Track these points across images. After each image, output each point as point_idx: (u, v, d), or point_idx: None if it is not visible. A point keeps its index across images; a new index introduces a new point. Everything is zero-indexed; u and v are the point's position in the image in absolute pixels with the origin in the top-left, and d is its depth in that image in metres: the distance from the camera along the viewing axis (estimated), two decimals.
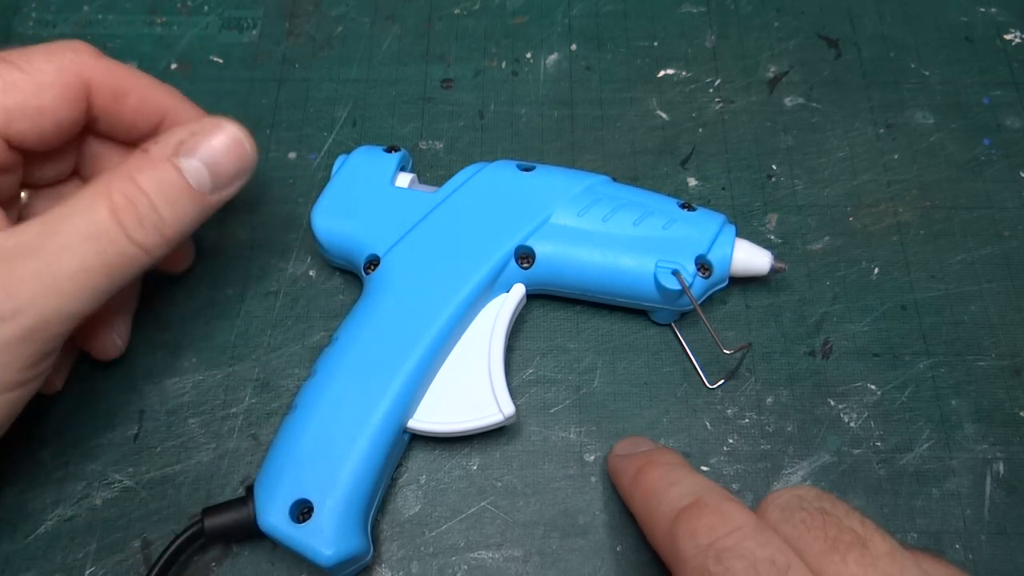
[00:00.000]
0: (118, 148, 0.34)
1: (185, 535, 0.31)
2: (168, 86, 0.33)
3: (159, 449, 0.35)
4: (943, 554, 0.32)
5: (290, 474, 0.30)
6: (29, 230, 0.28)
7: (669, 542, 0.26)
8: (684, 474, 0.28)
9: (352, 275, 0.38)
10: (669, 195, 0.36)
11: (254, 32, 0.45)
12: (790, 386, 0.36)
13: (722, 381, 0.36)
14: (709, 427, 0.35)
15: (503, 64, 0.44)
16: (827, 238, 0.39)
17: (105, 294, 0.29)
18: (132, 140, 0.33)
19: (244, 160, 0.31)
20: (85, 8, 0.46)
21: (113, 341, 0.35)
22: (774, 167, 0.41)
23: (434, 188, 0.37)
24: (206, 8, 0.46)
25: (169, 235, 0.29)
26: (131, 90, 0.32)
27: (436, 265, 0.34)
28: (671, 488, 0.28)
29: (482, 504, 0.34)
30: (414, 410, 0.33)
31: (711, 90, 0.43)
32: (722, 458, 0.34)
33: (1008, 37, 0.45)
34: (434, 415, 0.33)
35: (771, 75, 0.44)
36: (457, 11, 0.46)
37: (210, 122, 0.31)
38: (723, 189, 0.40)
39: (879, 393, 0.36)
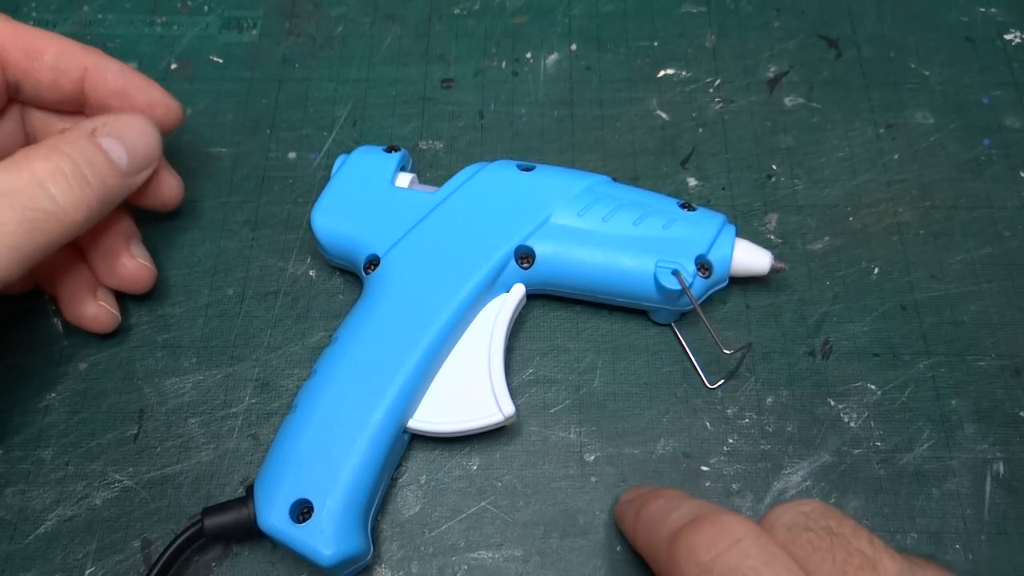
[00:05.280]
0: (58, 119, 0.35)
1: (185, 535, 0.31)
2: (88, 46, 0.34)
3: (159, 449, 0.35)
4: (948, 565, 0.32)
5: (290, 474, 0.30)
6: None
7: (669, 565, 0.25)
8: (685, 501, 0.27)
9: (352, 275, 0.38)
10: (669, 195, 0.36)
11: (254, 32, 0.45)
12: (790, 386, 0.36)
13: (722, 381, 0.36)
14: (709, 427, 0.35)
15: (503, 64, 0.44)
16: (827, 238, 0.39)
17: (29, 254, 0.29)
18: (63, 106, 0.35)
19: (153, 147, 0.34)
20: (85, 8, 0.46)
21: (138, 264, 0.36)
22: (774, 167, 0.41)
23: (434, 188, 0.37)
24: (206, 8, 0.46)
25: (93, 204, 0.30)
26: (44, 47, 0.33)
27: (436, 265, 0.34)
28: (671, 513, 0.27)
29: (482, 504, 0.34)
30: (414, 410, 0.33)
31: (711, 90, 0.43)
32: (722, 458, 0.34)
33: (1008, 37, 0.45)
34: (434, 415, 0.33)
35: (771, 75, 0.44)
36: (457, 11, 0.46)
37: (123, 114, 0.33)
38: (723, 189, 0.40)
39: (879, 393, 0.36)
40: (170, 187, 0.37)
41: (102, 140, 0.32)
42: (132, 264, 0.35)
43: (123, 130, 0.32)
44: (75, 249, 0.36)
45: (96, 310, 0.35)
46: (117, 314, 0.36)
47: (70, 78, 0.33)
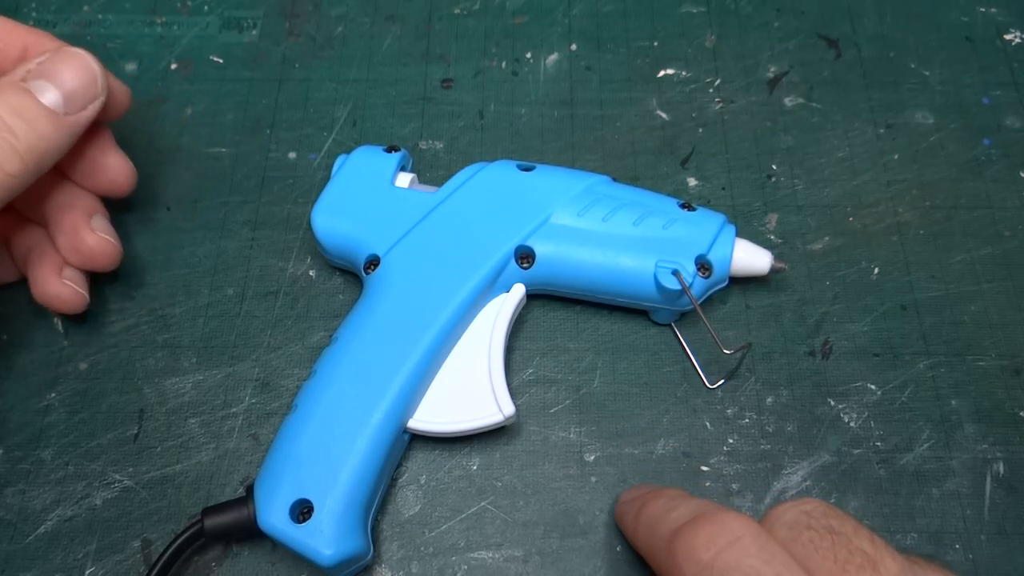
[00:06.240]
0: None
1: (185, 535, 0.31)
2: (26, 25, 0.34)
3: (159, 449, 0.35)
4: (948, 565, 0.32)
5: (290, 474, 0.30)
6: None
7: (669, 564, 0.25)
8: (685, 500, 0.27)
9: (352, 275, 0.38)
10: (669, 195, 0.36)
11: (254, 32, 0.45)
12: (790, 386, 0.36)
13: (722, 381, 0.36)
14: (709, 427, 0.35)
15: (503, 64, 0.44)
16: (827, 238, 0.39)
17: None
18: None
19: (91, 82, 0.32)
20: (85, 8, 0.46)
21: (99, 239, 0.35)
22: (774, 167, 0.41)
23: (434, 188, 0.37)
24: (206, 8, 0.46)
25: (25, 153, 0.30)
26: None
27: (436, 265, 0.34)
28: (670, 513, 0.27)
29: (482, 504, 0.34)
30: (414, 410, 0.33)
31: (711, 90, 0.43)
32: (722, 458, 0.34)
33: (1008, 37, 0.45)
34: (434, 415, 0.33)
35: (771, 75, 0.44)
36: (457, 11, 0.46)
37: (57, 51, 0.32)
38: (723, 189, 0.40)
39: (879, 393, 0.36)
40: (117, 170, 0.36)
41: (32, 84, 0.31)
42: (93, 238, 0.34)
43: (56, 70, 0.31)
44: (42, 229, 0.35)
45: (60, 289, 0.34)
46: (84, 293, 0.35)
47: (8, 56, 0.33)
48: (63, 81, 0.31)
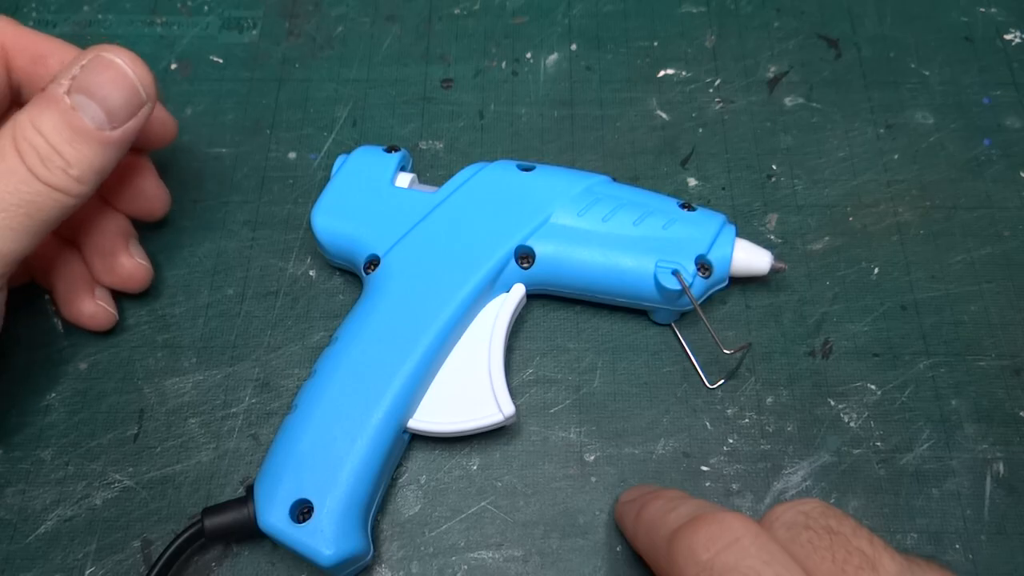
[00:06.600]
0: None
1: (185, 535, 0.31)
2: (32, 30, 0.33)
3: (159, 449, 0.35)
4: (948, 565, 0.32)
5: (290, 474, 0.30)
6: None
7: (669, 564, 0.25)
8: (685, 501, 0.27)
9: (352, 275, 0.38)
10: (669, 195, 0.36)
11: (254, 32, 0.45)
12: (790, 386, 0.36)
13: (722, 381, 0.36)
14: (709, 427, 0.35)
15: (503, 64, 0.44)
16: (827, 238, 0.39)
17: (35, 233, 0.29)
18: None
19: (133, 92, 0.30)
20: (85, 8, 0.46)
21: (136, 263, 0.36)
22: (774, 167, 0.41)
23: (434, 188, 0.37)
24: (206, 8, 0.46)
25: (79, 175, 0.29)
26: (50, 53, 0.33)
27: (436, 265, 0.34)
28: (670, 513, 0.27)
29: (482, 504, 0.34)
30: (414, 410, 0.33)
31: (711, 90, 0.43)
32: (722, 458, 0.34)
33: (1008, 37, 0.45)
34: (434, 415, 0.33)
35: (771, 75, 0.44)
36: (457, 11, 0.46)
37: (93, 60, 0.30)
38: (723, 189, 0.40)
39: (879, 393, 0.36)
40: (155, 197, 0.36)
41: (74, 99, 0.29)
42: (130, 263, 0.36)
43: (95, 83, 0.29)
44: (73, 248, 0.36)
45: (94, 309, 0.36)
46: (115, 313, 0.36)
47: (17, 66, 0.33)
48: (104, 97, 0.30)
